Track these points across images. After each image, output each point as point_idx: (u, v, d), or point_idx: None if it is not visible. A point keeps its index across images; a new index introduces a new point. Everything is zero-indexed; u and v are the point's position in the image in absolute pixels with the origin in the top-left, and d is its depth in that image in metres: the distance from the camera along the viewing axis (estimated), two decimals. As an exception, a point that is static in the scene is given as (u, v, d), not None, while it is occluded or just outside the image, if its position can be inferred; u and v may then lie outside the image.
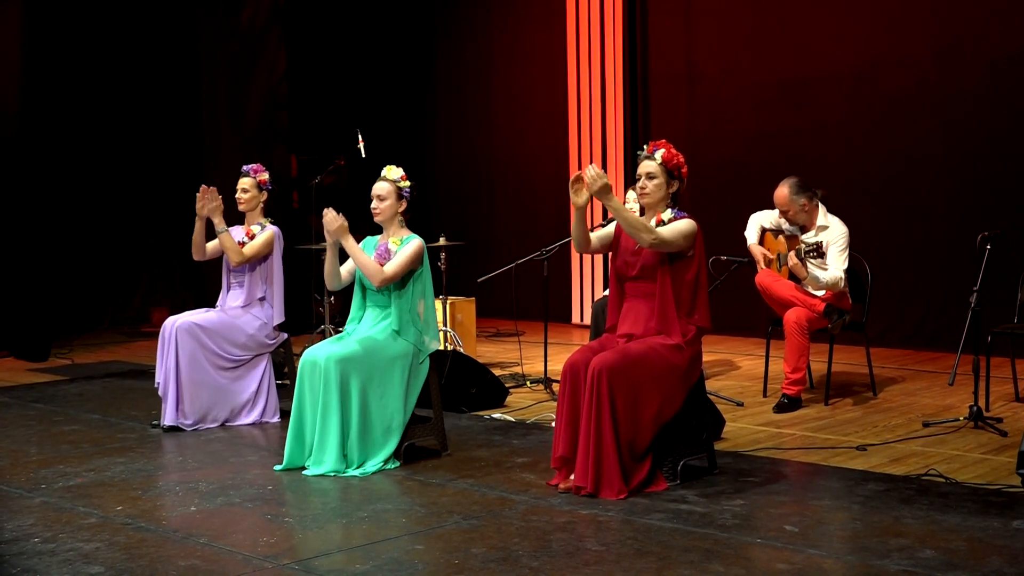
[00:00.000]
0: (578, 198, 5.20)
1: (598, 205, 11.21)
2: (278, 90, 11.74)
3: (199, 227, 6.86)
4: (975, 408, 6.35)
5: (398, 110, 13.17)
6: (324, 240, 5.84)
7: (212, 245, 6.99)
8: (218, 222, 6.78)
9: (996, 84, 8.99)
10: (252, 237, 6.95)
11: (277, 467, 5.65)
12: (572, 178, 5.21)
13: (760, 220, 7.42)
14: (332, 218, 5.67)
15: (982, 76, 9.06)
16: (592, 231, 5.51)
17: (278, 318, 6.96)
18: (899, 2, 9.50)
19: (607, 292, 5.62)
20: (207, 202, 6.75)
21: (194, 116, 11.64)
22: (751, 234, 7.39)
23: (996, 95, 8.99)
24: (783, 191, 7.14)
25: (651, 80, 11.17)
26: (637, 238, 5.17)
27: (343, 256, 5.80)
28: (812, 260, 6.92)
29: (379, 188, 5.87)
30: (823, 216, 7.16)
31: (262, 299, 6.94)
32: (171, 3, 11.68)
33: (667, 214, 5.31)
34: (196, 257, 7.00)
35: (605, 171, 11.21)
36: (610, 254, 5.54)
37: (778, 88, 10.24)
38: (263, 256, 6.93)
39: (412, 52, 13.30)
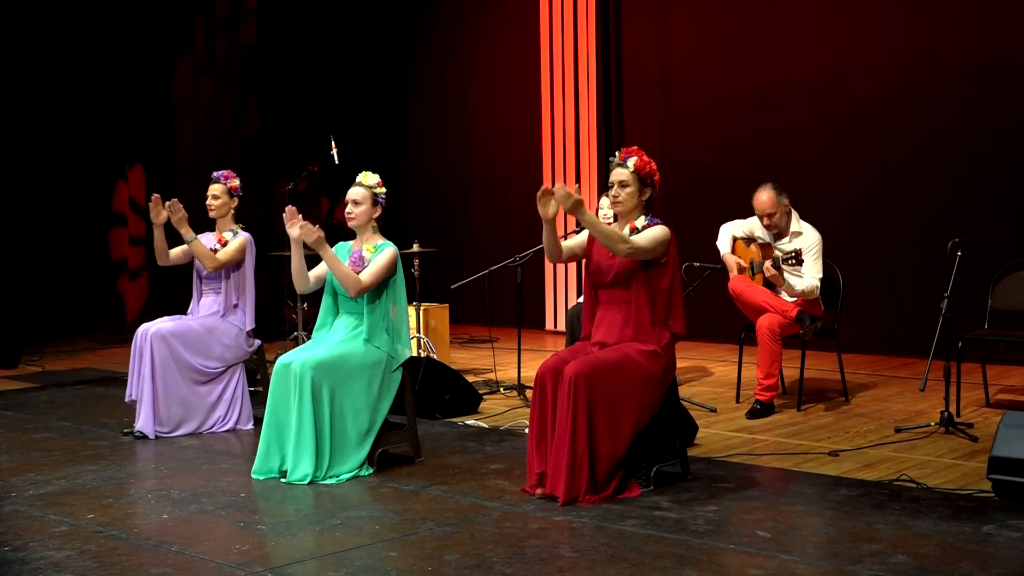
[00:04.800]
0: (546, 211, 5.20)
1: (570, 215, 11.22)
2: (251, 96, 11.70)
3: (158, 235, 6.84)
4: (946, 414, 6.38)
5: (372, 117, 13.15)
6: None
7: (177, 252, 6.96)
8: (185, 232, 6.75)
9: (968, 92, 9.05)
10: (224, 244, 6.93)
11: (255, 475, 5.61)
12: (539, 192, 5.21)
13: (731, 230, 7.43)
14: (310, 230, 5.64)
15: (954, 84, 9.12)
16: (564, 239, 5.52)
17: (249, 324, 6.95)
18: (872, 10, 9.56)
19: (581, 299, 5.63)
20: (170, 212, 6.71)
21: (165, 121, 11.58)
22: (723, 244, 7.40)
23: (968, 103, 9.05)
24: (769, 194, 7.16)
25: (625, 87, 11.20)
26: (614, 249, 5.18)
27: (310, 259, 5.79)
28: (790, 266, 6.95)
29: (355, 193, 5.86)
30: (796, 222, 7.21)
31: (236, 305, 6.93)
32: (141, 7, 11.62)
33: (641, 221, 5.32)
34: (160, 263, 6.98)
35: (579, 178, 11.27)
36: (583, 261, 5.55)
37: (752, 95, 10.28)
38: (236, 262, 6.91)
39: (387, 59, 13.29)
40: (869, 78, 9.56)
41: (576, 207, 5.09)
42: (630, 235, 5.27)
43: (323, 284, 5.93)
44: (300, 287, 5.89)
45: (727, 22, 10.45)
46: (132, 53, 11.68)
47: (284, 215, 5.71)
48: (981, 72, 8.98)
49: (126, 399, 6.79)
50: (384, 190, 5.90)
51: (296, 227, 5.65)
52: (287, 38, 12.47)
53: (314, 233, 5.64)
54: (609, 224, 5.59)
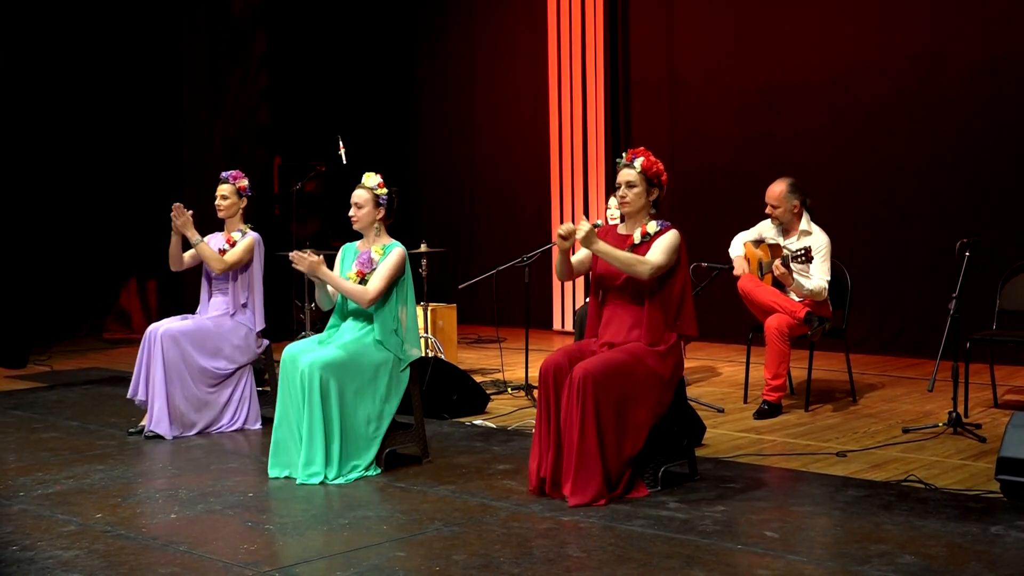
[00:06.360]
0: (563, 243, 5.22)
1: (584, 247, 11.20)
2: (260, 96, 11.71)
3: (175, 241, 6.84)
4: (954, 414, 6.38)
5: (380, 116, 13.16)
6: (303, 247, 5.85)
7: (190, 255, 6.97)
8: (191, 235, 6.76)
9: (975, 92, 9.04)
10: (233, 244, 6.93)
11: (270, 472, 5.63)
12: (562, 232, 5.20)
13: (743, 238, 7.43)
14: (300, 257, 5.70)
15: (961, 84, 9.11)
16: (572, 253, 5.52)
17: (259, 325, 6.95)
18: (880, 10, 9.55)
19: (589, 299, 5.63)
20: (173, 216, 6.73)
21: (176, 121, 11.60)
22: (734, 250, 7.41)
23: (975, 103, 9.04)
24: (780, 188, 7.18)
25: (632, 87, 11.19)
26: (635, 273, 5.16)
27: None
28: (799, 264, 6.95)
29: (356, 196, 5.87)
30: (806, 222, 7.21)
31: (244, 305, 6.93)
32: (151, 10, 11.64)
33: (652, 226, 5.31)
34: (173, 268, 6.99)
35: (586, 178, 11.26)
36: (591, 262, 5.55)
37: (759, 95, 10.28)
38: (245, 263, 6.91)
39: (394, 58, 13.30)
40: (876, 78, 9.55)
41: (588, 239, 5.12)
42: (641, 239, 5.27)
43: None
44: (326, 307, 6.02)
45: (735, 22, 10.45)
46: (141, 57, 11.71)
47: (294, 263, 5.77)
48: (988, 72, 8.97)
49: (128, 395, 6.80)
50: (386, 191, 5.88)
51: (303, 266, 5.71)
52: (296, 39, 12.48)
53: (305, 260, 5.71)
54: (615, 225, 5.59)
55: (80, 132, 11.54)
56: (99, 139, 11.66)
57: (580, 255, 5.53)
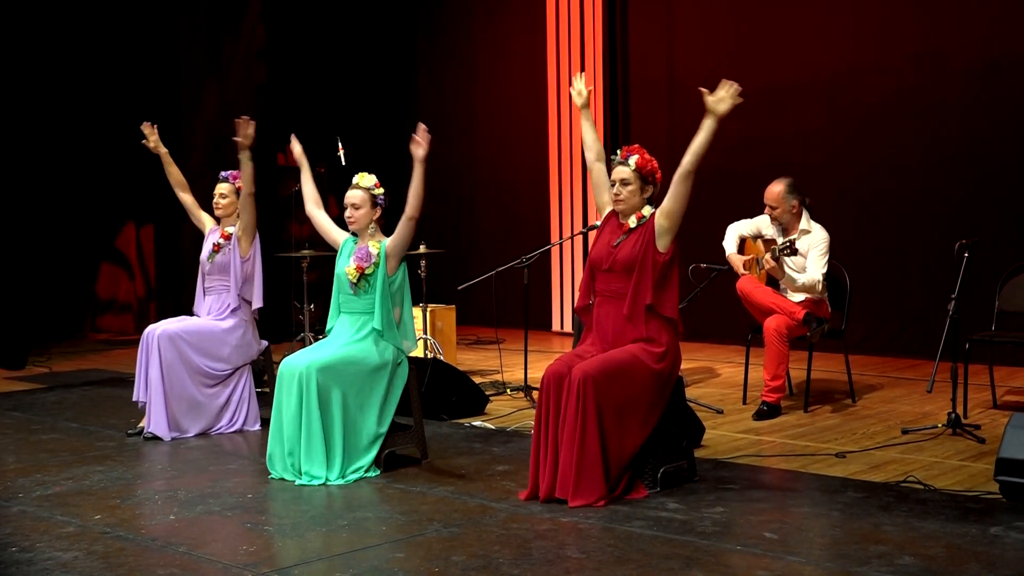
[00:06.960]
0: (580, 99, 5.66)
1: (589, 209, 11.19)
2: (259, 96, 11.70)
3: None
4: (953, 415, 6.37)
5: (379, 117, 13.16)
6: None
7: (188, 198, 7.22)
8: (159, 148, 7.23)
9: (975, 92, 9.04)
10: (227, 237, 6.92)
11: (271, 475, 5.63)
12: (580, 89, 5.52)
13: (738, 229, 7.43)
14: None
15: (961, 84, 9.11)
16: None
17: (256, 303, 6.91)
18: (879, 11, 9.55)
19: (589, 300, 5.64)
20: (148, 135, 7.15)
21: (174, 122, 11.58)
22: (729, 244, 7.40)
23: (975, 103, 9.05)
24: (778, 188, 7.18)
25: (632, 88, 11.19)
26: (699, 155, 5.53)
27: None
28: (787, 257, 6.94)
29: (353, 196, 5.83)
30: (806, 221, 7.20)
31: (245, 302, 6.90)
32: (150, 11, 11.63)
33: (647, 210, 5.37)
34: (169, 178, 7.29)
35: (586, 179, 11.26)
36: (591, 242, 5.56)
37: (759, 96, 10.24)
38: (249, 228, 6.88)
39: (393, 59, 13.30)
40: (876, 79, 9.55)
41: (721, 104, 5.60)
42: (636, 224, 5.29)
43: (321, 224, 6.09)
44: (311, 208, 6.19)
45: (734, 23, 10.45)
46: (141, 56, 11.70)
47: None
48: (988, 73, 8.97)
49: (134, 399, 6.80)
50: (382, 190, 5.87)
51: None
52: (295, 40, 12.47)
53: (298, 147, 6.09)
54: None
55: (78, 134, 11.50)
56: (96, 141, 11.62)
57: (604, 184, 5.60)
